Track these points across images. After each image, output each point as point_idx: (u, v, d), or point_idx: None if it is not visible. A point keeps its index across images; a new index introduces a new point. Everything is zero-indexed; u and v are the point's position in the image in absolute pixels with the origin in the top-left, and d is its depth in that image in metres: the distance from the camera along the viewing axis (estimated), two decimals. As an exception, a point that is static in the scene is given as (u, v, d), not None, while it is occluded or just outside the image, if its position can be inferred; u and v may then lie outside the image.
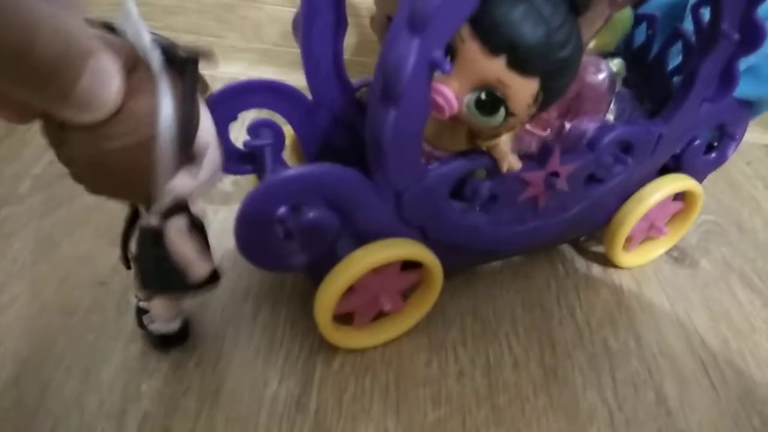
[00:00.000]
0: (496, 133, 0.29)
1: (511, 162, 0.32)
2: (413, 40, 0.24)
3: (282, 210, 0.28)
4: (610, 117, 0.39)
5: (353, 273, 0.31)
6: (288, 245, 0.30)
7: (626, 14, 0.35)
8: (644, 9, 0.40)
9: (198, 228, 0.27)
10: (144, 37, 0.22)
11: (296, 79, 0.36)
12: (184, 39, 0.57)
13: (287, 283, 0.38)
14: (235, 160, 0.36)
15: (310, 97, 0.36)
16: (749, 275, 0.45)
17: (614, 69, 0.36)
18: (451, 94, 0.27)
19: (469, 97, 0.27)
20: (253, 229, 0.28)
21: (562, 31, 0.25)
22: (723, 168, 0.56)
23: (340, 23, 0.34)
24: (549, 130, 0.36)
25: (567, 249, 0.44)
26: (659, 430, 0.33)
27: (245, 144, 0.35)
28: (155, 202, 0.24)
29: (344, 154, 0.36)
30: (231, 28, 0.57)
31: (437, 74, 0.26)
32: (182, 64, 0.23)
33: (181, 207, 0.25)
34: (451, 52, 0.27)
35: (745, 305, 0.42)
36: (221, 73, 0.57)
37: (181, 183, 0.23)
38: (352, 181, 0.29)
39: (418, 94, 0.26)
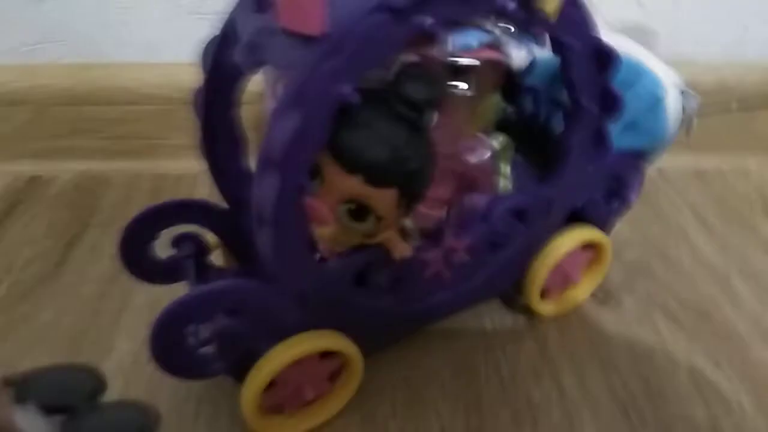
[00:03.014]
0: (374, 233, 0.33)
1: (401, 250, 0.35)
2: (271, 176, 0.28)
3: (191, 326, 0.31)
4: (509, 185, 0.42)
5: (269, 371, 0.34)
6: (204, 355, 0.33)
7: (491, 100, 0.38)
8: (529, 80, 0.44)
9: None
10: None
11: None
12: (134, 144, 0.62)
13: (228, 379, 0.41)
14: (161, 274, 0.39)
15: (225, 205, 0.39)
16: (673, 308, 0.47)
17: (497, 146, 0.40)
18: (324, 208, 0.30)
19: (341, 209, 0.31)
20: (166, 347, 0.31)
21: (405, 148, 0.29)
22: (652, 199, 0.60)
23: (238, 143, 0.37)
24: (443, 208, 0.39)
25: (495, 304, 0.47)
26: (575, 480, 0.35)
27: (169, 258, 0.39)
28: None
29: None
30: (174, 129, 0.61)
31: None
32: None
33: None
34: (318, 172, 0.30)
35: (668, 341, 0.44)
36: (171, 169, 0.62)
37: None
38: (254, 291, 0.32)
39: (286, 218, 0.29)
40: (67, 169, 0.62)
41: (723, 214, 0.58)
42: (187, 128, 0.62)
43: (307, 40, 0.27)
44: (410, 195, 0.30)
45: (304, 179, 0.28)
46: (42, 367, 0.21)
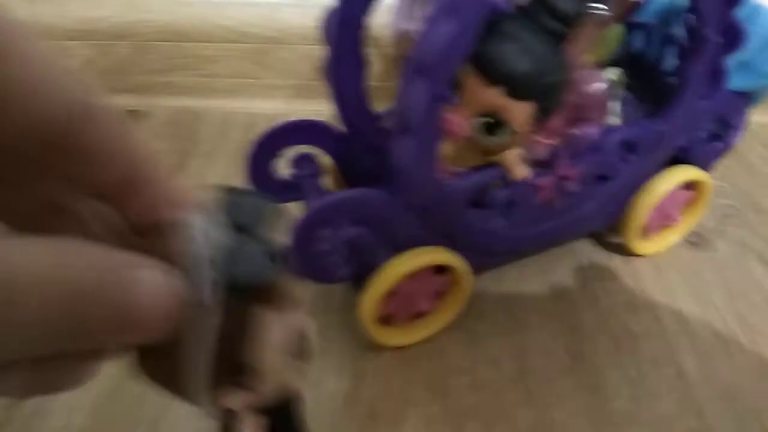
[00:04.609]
0: (504, 149, 0.34)
1: (521, 171, 0.36)
2: (422, 83, 0.29)
3: (325, 231, 0.33)
4: (616, 120, 0.43)
5: (389, 280, 0.35)
6: (333, 260, 0.35)
7: (616, 30, 0.39)
8: (640, 17, 0.44)
9: None
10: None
11: (329, 108, 0.41)
12: (227, 83, 0.64)
13: (335, 293, 0.43)
14: (281, 191, 0.41)
15: (342, 128, 0.41)
16: (766, 254, 0.47)
17: (612, 78, 0.40)
18: (460, 121, 0.32)
19: (476, 122, 0.32)
20: (304, 250, 0.33)
21: (547, 60, 0.30)
22: (740, 153, 0.59)
23: (361, 65, 0.39)
24: (556, 138, 0.40)
25: (589, 242, 0.48)
26: (678, 400, 0.37)
27: (289, 176, 0.41)
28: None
29: (377, 176, 0.41)
30: (269, 68, 0.63)
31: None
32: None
33: None
34: (457, 84, 0.31)
35: (762, 283, 0.45)
36: (262, 109, 0.64)
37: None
38: (381, 202, 0.34)
39: (429, 126, 0.30)
40: (162, 105, 0.65)
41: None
42: (281, 69, 0.64)
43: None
44: (545, 109, 0.31)
45: (449, 90, 0.30)
46: None
